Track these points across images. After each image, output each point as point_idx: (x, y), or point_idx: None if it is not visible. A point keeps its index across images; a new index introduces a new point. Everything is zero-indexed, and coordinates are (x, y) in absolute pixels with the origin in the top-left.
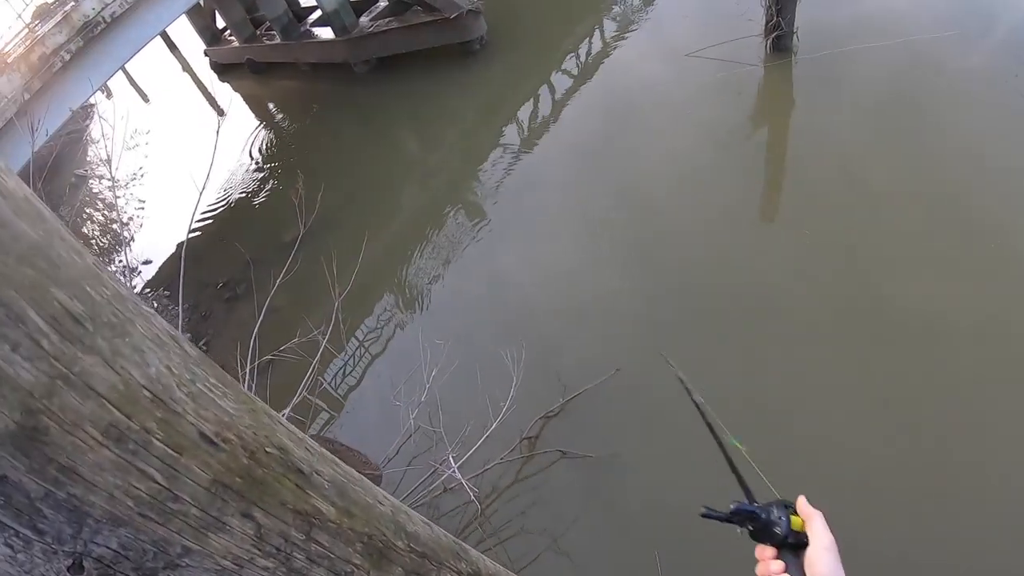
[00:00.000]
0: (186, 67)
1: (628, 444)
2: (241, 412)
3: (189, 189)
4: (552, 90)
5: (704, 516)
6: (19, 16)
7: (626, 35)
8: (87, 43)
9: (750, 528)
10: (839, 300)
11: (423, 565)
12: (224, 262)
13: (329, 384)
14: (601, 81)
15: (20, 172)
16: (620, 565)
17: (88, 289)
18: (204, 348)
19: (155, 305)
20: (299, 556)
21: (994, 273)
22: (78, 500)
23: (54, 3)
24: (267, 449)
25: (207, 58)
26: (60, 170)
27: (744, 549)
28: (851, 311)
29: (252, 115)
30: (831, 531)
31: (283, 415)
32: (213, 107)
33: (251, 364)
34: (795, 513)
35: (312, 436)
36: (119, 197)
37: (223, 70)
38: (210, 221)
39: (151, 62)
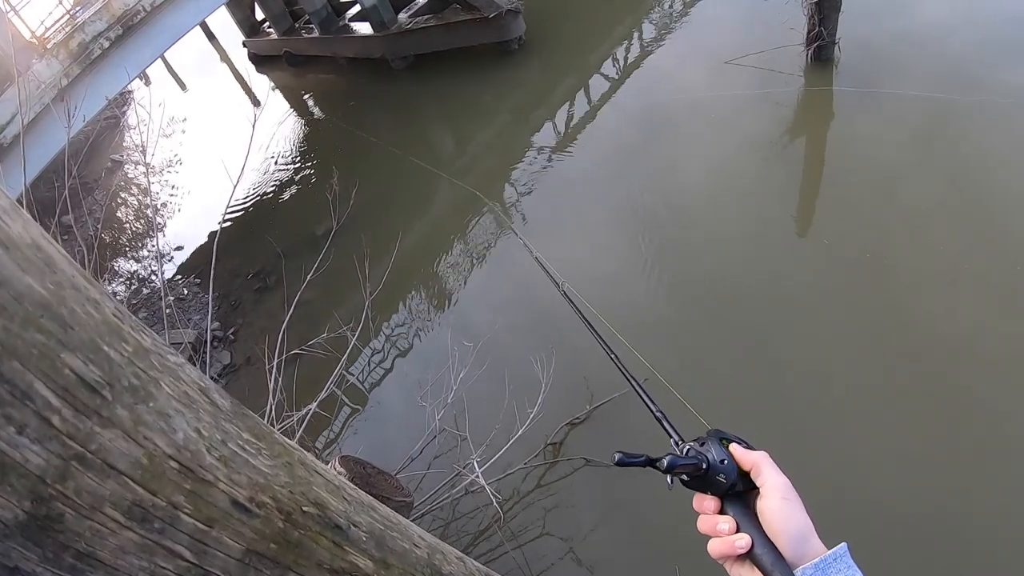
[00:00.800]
0: (224, 57)
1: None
2: (276, 469)
3: (222, 178)
4: (588, 93)
5: (619, 464)
6: (60, 2)
7: (664, 40)
8: (126, 31)
9: (684, 478)
10: (873, 315)
11: None
12: (255, 252)
13: (355, 379)
14: (638, 85)
15: (55, 157)
16: None
17: (105, 348)
18: (232, 337)
19: (185, 292)
20: None
21: None
22: None
23: None
24: (304, 508)
25: (245, 49)
26: (96, 154)
27: None
28: (884, 327)
29: (288, 107)
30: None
31: (310, 409)
32: (250, 98)
33: (279, 357)
34: (728, 441)
35: (343, 457)
36: (153, 183)
37: (261, 62)
38: (241, 212)
39: (190, 51)
